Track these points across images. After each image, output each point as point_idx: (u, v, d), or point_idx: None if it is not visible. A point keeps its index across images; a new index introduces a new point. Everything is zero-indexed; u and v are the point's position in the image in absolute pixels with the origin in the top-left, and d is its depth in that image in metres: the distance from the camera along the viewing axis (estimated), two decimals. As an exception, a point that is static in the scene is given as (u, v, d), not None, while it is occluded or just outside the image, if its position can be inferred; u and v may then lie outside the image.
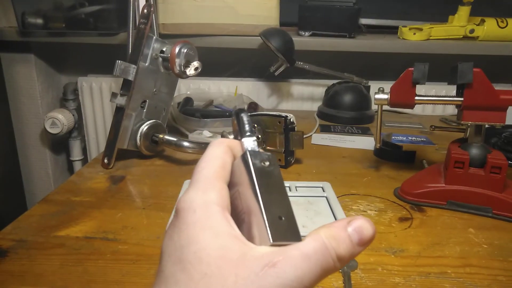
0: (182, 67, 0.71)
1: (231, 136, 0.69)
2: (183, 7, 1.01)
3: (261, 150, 0.25)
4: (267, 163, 0.24)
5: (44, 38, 1.13)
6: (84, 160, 1.37)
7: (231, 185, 0.24)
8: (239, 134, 0.27)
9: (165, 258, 0.21)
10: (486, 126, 0.57)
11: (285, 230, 0.21)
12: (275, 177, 0.24)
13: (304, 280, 0.19)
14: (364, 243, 0.21)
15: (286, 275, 0.18)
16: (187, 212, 0.21)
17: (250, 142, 0.26)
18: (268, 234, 0.20)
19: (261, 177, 0.23)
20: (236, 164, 0.25)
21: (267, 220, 0.21)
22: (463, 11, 1.05)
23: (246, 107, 0.98)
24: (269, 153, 0.25)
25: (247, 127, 0.27)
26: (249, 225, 0.22)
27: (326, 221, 0.53)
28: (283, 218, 0.22)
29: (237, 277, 0.19)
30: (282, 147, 0.69)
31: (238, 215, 0.23)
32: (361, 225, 0.21)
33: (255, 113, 0.74)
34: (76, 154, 1.35)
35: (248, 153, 0.24)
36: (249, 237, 0.22)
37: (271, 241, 0.20)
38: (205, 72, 0.78)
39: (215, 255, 0.19)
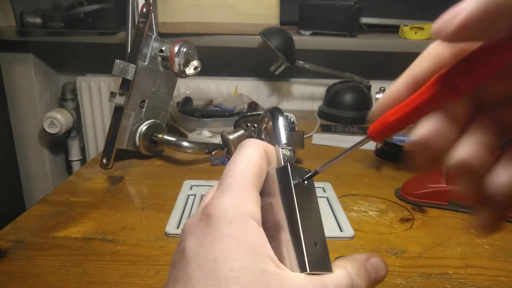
0: (181, 66, 0.71)
1: (234, 134, 0.69)
2: (182, 6, 1.00)
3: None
4: (305, 181, 0.23)
5: (42, 37, 1.13)
6: (83, 160, 1.37)
7: (261, 195, 0.23)
8: (274, 138, 0.25)
9: (192, 266, 0.20)
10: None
11: (320, 258, 0.21)
12: (312, 196, 0.23)
13: None
14: (378, 282, 0.22)
15: None
16: (222, 221, 0.20)
17: (287, 152, 0.24)
18: (305, 262, 0.20)
19: (299, 197, 0.22)
20: (270, 174, 0.23)
21: (305, 247, 0.20)
22: (464, 11, 1.04)
23: (246, 107, 0.98)
24: (307, 169, 0.23)
25: (285, 134, 0.25)
26: (278, 243, 0.21)
27: (327, 221, 0.53)
28: (318, 245, 0.21)
29: None
30: (282, 147, 0.69)
31: (267, 230, 0.21)
32: (378, 264, 0.22)
33: (255, 113, 0.74)
34: (74, 154, 1.35)
35: (289, 167, 0.22)
36: (279, 257, 0.21)
37: (308, 270, 0.20)
38: (205, 71, 0.77)
39: (253, 277, 0.19)
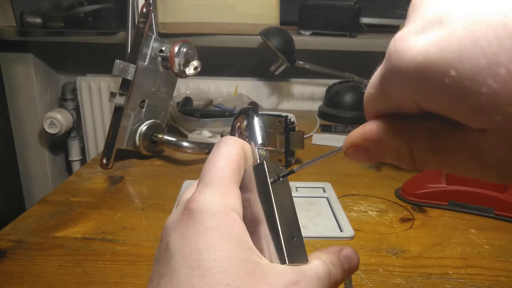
0: (181, 66, 0.71)
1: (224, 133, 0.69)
2: (182, 6, 1.00)
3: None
4: (281, 178, 0.24)
5: (42, 37, 1.13)
6: (83, 160, 1.37)
7: (240, 190, 0.24)
8: (249, 137, 0.26)
9: (176, 259, 0.20)
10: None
11: (297, 250, 0.22)
12: (287, 192, 0.24)
13: None
14: (352, 271, 0.24)
15: None
16: (205, 215, 0.20)
17: (263, 152, 0.25)
18: (285, 255, 0.21)
19: (276, 193, 0.23)
20: (247, 172, 0.24)
21: (284, 241, 0.21)
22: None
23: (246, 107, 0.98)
24: (282, 166, 0.24)
25: (260, 134, 0.26)
26: (257, 237, 0.22)
27: (327, 221, 0.53)
28: (295, 239, 0.22)
29: None
30: (283, 147, 0.69)
31: (246, 226, 0.22)
32: (350, 255, 0.24)
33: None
34: (74, 154, 1.35)
35: (265, 164, 0.23)
36: (259, 250, 0.21)
37: (287, 263, 0.21)
38: (205, 71, 0.77)
39: (237, 267, 0.19)
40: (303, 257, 0.22)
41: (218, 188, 0.21)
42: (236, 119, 0.28)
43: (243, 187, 0.23)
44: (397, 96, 0.16)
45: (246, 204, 0.23)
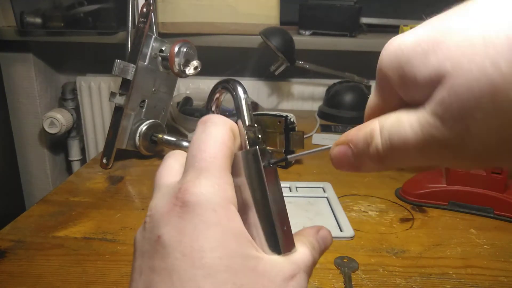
0: (181, 66, 0.71)
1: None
2: (182, 6, 1.00)
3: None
4: (271, 164, 0.22)
5: (42, 37, 1.13)
6: (83, 160, 1.37)
7: None
8: (237, 115, 0.23)
9: (176, 256, 0.19)
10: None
11: (288, 239, 0.22)
12: (277, 179, 0.23)
13: (305, 286, 0.22)
14: (326, 250, 0.25)
15: (301, 284, 0.21)
16: (205, 209, 0.19)
17: (251, 134, 0.23)
18: (279, 247, 0.21)
19: (268, 180, 0.22)
20: (237, 156, 0.22)
21: (278, 233, 0.22)
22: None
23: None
24: (270, 151, 0.23)
25: (247, 112, 0.23)
26: (247, 224, 0.22)
27: (327, 221, 0.53)
28: (285, 227, 0.22)
29: None
30: (282, 147, 0.69)
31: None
32: (326, 235, 0.25)
33: (255, 113, 0.74)
34: (74, 154, 1.35)
35: (258, 152, 0.22)
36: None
37: (282, 253, 0.21)
38: (205, 71, 0.77)
39: (242, 264, 0.19)
40: (292, 244, 0.22)
41: (213, 178, 0.20)
42: (217, 90, 0.25)
43: (233, 172, 0.22)
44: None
45: (236, 190, 0.22)
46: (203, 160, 0.20)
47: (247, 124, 0.23)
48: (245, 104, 0.23)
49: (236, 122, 0.23)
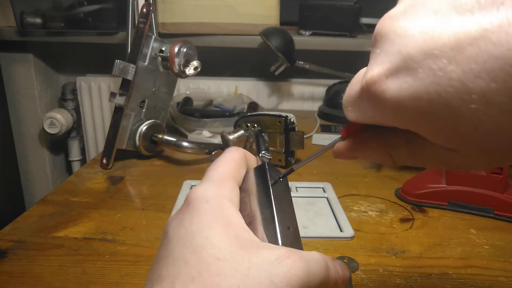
0: (181, 66, 0.71)
1: (234, 134, 0.70)
2: (182, 6, 1.00)
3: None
4: (281, 178, 0.26)
5: (42, 37, 1.13)
6: (83, 161, 1.37)
7: (241, 190, 0.26)
8: (256, 151, 0.29)
9: (173, 243, 0.21)
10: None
11: (292, 240, 0.23)
12: (287, 192, 0.26)
13: (311, 281, 0.20)
14: (345, 281, 0.24)
15: (299, 268, 0.20)
16: (199, 201, 0.22)
17: (266, 159, 0.28)
18: (278, 239, 0.22)
19: (274, 190, 0.25)
20: (249, 173, 0.26)
21: (279, 227, 0.23)
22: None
23: (246, 107, 0.98)
24: (282, 172, 0.27)
25: (264, 146, 0.31)
26: (255, 230, 0.23)
27: (327, 221, 0.53)
28: (290, 229, 0.23)
29: (251, 263, 0.19)
30: (283, 147, 0.69)
31: (245, 217, 0.23)
32: (343, 264, 0.25)
33: (255, 113, 0.74)
34: (74, 154, 1.35)
35: (266, 165, 0.26)
36: None
37: (280, 244, 0.22)
38: (205, 71, 0.77)
39: (228, 242, 0.20)
40: (299, 246, 0.23)
41: (215, 182, 0.24)
42: (247, 140, 0.33)
43: (245, 187, 0.25)
44: (377, 121, 0.19)
45: (246, 200, 0.25)
46: (209, 171, 0.25)
47: (262, 152, 0.29)
48: (263, 141, 0.32)
49: (256, 155, 0.29)
